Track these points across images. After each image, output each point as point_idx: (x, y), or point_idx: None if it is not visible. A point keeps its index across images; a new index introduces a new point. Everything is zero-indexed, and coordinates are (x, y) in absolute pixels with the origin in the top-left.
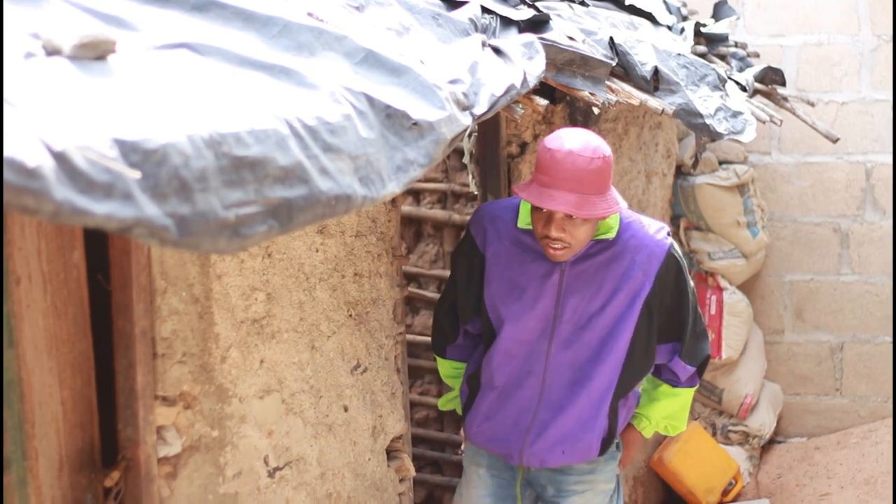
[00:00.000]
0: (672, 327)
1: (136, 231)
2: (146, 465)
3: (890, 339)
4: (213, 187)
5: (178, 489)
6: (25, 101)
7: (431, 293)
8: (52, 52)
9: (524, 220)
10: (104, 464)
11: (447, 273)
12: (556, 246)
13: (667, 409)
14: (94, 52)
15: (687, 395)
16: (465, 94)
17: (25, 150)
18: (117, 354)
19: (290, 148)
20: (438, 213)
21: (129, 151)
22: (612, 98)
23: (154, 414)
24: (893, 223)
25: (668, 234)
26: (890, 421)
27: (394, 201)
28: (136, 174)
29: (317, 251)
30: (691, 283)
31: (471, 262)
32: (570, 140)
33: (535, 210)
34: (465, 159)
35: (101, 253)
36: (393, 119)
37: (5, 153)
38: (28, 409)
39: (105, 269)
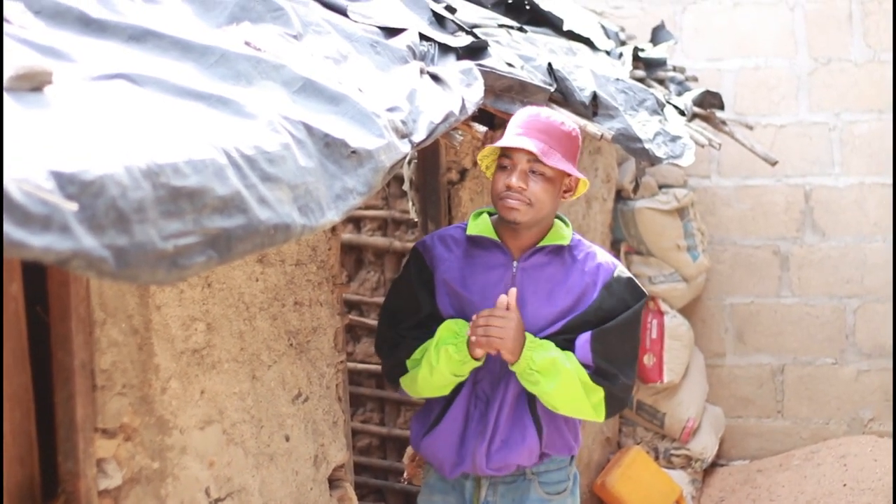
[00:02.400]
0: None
1: (73, 263)
2: (87, 498)
3: (830, 360)
4: (151, 218)
5: None
6: None
7: (373, 321)
8: None
9: (473, 228)
10: (44, 497)
11: None
12: (513, 198)
13: (551, 362)
14: (31, 84)
15: (568, 374)
16: (403, 122)
17: None
18: (57, 387)
19: (229, 177)
20: (379, 240)
21: (66, 183)
22: None
23: (94, 446)
24: (894, 245)
25: (617, 260)
26: (832, 442)
27: (334, 229)
28: (73, 206)
29: (257, 280)
30: (639, 312)
31: (420, 278)
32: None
33: (499, 169)
34: (405, 186)
35: (40, 284)
36: (332, 147)
37: None
38: None
39: (44, 301)
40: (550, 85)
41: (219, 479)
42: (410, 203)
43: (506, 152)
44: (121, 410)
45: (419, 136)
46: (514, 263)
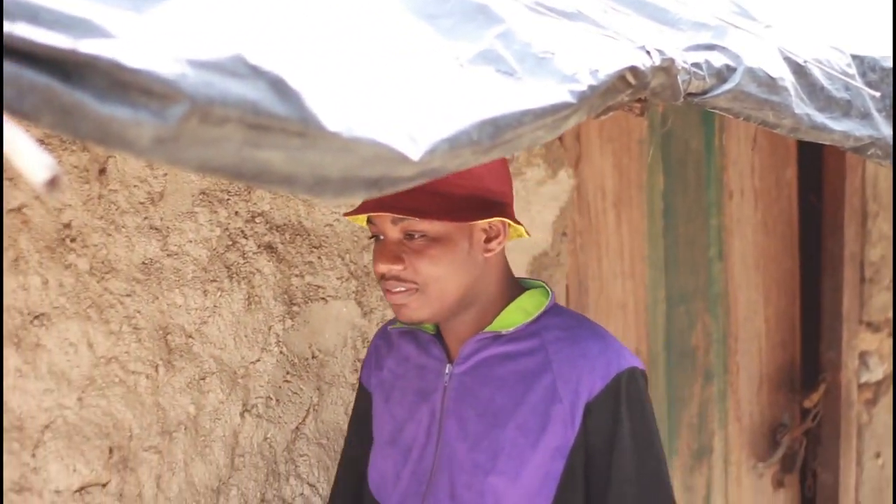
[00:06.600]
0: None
1: (870, 151)
2: (846, 389)
3: None
4: None
5: (876, 416)
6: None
7: None
8: None
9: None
10: (804, 385)
11: None
12: (396, 290)
13: None
14: None
15: None
16: None
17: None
18: (824, 276)
19: None
20: None
21: (868, 70)
22: None
23: (858, 339)
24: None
25: (634, 356)
26: None
27: None
28: (875, 93)
29: None
30: (648, 435)
31: (358, 411)
32: None
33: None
34: None
35: (814, 172)
36: None
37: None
38: (733, 324)
39: (817, 189)
40: None
41: None
42: None
43: (369, 217)
44: (886, 305)
45: None
46: (447, 369)
